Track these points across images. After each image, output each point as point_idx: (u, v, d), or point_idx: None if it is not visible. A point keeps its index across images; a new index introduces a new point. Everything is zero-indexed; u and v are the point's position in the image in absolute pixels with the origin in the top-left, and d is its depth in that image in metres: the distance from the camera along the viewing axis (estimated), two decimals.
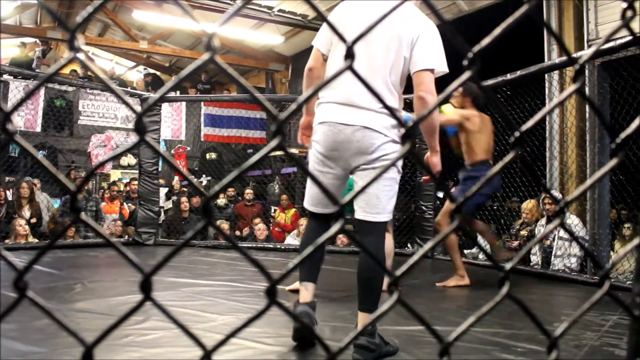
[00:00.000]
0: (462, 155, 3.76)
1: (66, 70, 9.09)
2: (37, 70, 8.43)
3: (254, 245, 5.75)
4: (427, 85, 1.91)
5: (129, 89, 8.04)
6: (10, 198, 6.19)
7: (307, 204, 2.11)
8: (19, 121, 6.56)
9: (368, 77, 1.87)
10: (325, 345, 0.47)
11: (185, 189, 7.40)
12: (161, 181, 6.45)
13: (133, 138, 0.45)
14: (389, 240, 3.29)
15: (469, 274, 3.67)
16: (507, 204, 5.82)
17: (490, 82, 4.48)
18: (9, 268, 0.44)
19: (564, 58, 4.22)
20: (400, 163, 2.17)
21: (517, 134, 0.54)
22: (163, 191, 7.16)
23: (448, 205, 3.70)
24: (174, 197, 7.29)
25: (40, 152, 7.76)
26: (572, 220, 4.58)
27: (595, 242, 3.93)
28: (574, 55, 3.36)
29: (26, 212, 5.89)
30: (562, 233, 4.48)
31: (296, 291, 2.51)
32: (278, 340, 2.04)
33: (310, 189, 2.11)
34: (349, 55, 0.48)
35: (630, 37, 3.26)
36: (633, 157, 3.78)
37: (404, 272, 0.50)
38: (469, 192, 0.56)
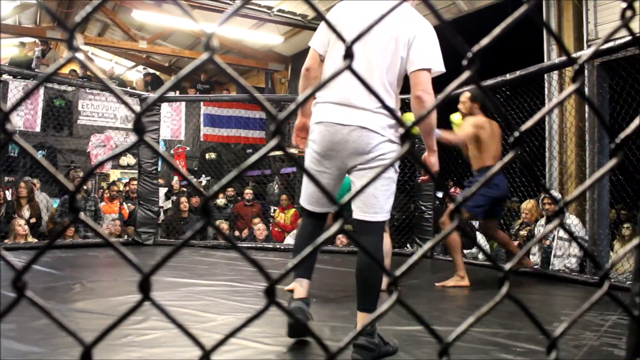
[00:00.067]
0: (470, 160, 3.75)
1: (65, 70, 9.09)
2: (36, 70, 8.42)
3: (254, 245, 5.75)
4: (424, 85, 1.91)
5: (128, 89, 8.02)
6: (9, 198, 6.19)
7: (304, 202, 2.11)
8: (18, 121, 6.57)
9: (365, 77, 1.86)
10: (325, 345, 0.47)
11: (184, 189, 7.40)
12: (160, 181, 6.44)
13: (132, 138, 0.45)
14: (386, 239, 3.28)
15: (469, 274, 3.67)
16: (506, 204, 5.83)
17: (489, 82, 4.49)
18: (8, 268, 0.44)
19: (564, 58, 4.22)
20: (397, 162, 2.17)
21: (516, 134, 0.54)
22: (162, 191, 7.16)
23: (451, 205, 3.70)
24: (174, 197, 7.29)
25: (40, 152, 7.75)
26: (572, 220, 4.58)
27: (595, 242, 3.93)
28: (574, 55, 3.35)
29: (25, 212, 5.89)
30: (561, 233, 4.47)
31: None
32: (277, 340, 2.04)
33: (307, 187, 2.11)
34: (348, 55, 0.48)
35: (629, 37, 3.26)
36: (632, 157, 3.78)
37: (404, 272, 0.50)
38: (469, 192, 0.56)
